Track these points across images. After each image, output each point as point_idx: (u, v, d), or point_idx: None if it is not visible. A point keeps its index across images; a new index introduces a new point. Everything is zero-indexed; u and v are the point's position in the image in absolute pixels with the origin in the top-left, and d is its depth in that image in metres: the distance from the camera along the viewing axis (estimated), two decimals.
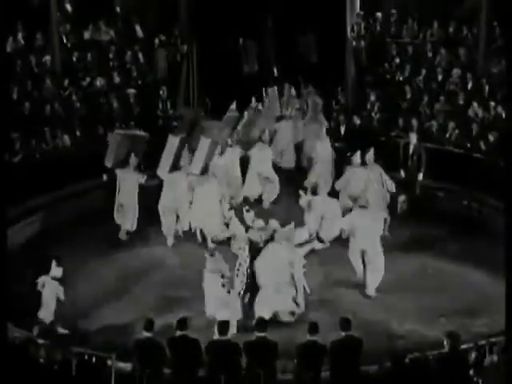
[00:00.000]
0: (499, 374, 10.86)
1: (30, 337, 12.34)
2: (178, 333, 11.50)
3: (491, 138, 19.54)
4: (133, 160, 18.58)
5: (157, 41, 24.16)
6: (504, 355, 10.93)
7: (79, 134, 20.90)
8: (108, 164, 18.94)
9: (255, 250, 14.81)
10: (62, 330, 14.04)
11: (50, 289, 14.19)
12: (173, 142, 18.83)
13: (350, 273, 16.27)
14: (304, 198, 17.48)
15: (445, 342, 10.94)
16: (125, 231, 18.63)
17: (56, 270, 14.34)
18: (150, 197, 18.78)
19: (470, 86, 21.59)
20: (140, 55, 23.69)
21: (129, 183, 18.57)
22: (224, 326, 11.47)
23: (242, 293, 14.92)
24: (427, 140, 20.34)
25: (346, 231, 16.36)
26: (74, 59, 22.90)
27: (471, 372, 11.03)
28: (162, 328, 12.90)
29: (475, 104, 20.63)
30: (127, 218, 18.59)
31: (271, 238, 14.84)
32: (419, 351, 11.85)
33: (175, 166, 18.57)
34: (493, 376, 11.02)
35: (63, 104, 21.29)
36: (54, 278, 14.28)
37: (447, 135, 20.46)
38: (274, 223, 15.16)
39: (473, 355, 11.40)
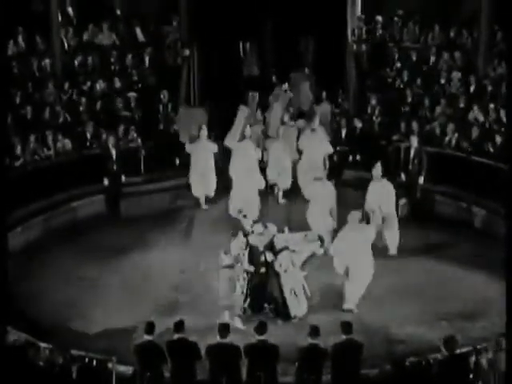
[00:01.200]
0: (499, 377, 10.86)
1: (30, 340, 12.31)
2: (176, 336, 11.51)
3: (492, 141, 19.52)
4: (204, 132, 20.16)
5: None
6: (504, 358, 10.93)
7: (80, 138, 20.85)
8: (184, 139, 21.12)
9: (255, 255, 14.87)
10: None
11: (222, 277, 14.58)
12: (242, 113, 21.34)
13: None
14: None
15: (442, 348, 10.96)
16: (205, 199, 20.41)
17: (226, 259, 14.69)
18: None
19: (470, 89, 21.58)
20: (145, 59, 23.73)
21: (203, 153, 20.19)
22: (224, 328, 11.46)
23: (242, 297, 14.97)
24: (428, 143, 20.32)
25: None
26: (76, 63, 22.92)
27: (471, 375, 11.01)
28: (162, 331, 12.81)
29: (476, 108, 20.60)
30: (208, 185, 20.35)
31: (270, 244, 14.91)
32: (419, 355, 11.86)
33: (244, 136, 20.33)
34: (493, 379, 11.02)
35: (64, 108, 21.28)
36: (226, 267, 14.61)
37: (447, 139, 20.44)
38: (272, 228, 15.23)
39: (473, 359, 11.38)
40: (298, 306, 14.84)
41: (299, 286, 14.94)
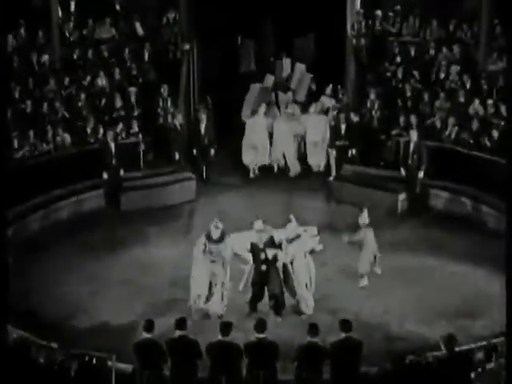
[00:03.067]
0: (500, 376, 10.86)
1: (30, 338, 12.31)
2: (178, 333, 11.50)
3: (492, 136, 19.49)
4: (263, 108, 22.45)
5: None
6: (505, 356, 10.92)
7: (79, 132, 20.81)
8: (245, 115, 23.37)
9: (255, 253, 14.84)
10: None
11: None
12: (254, 89, 23.62)
13: (350, 274, 16.32)
14: None
15: (441, 345, 10.96)
16: (257, 167, 22.45)
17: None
18: None
19: (470, 83, 21.54)
20: (144, 53, 23.68)
21: (261, 127, 22.29)
22: (226, 326, 11.46)
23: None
24: (427, 138, 20.30)
25: None
26: (75, 57, 22.90)
27: (472, 374, 11.00)
28: (162, 329, 12.79)
29: (476, 101, 20.56)
30: (261, 155, 22.33)
31: (271, 241, 14.85)
32: (419, 353, 11.86)
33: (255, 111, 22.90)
34: (493, 378, 11.01)
35: (64, 102, 21.25)
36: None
37: (447, 133, 20.42)
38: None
39: (473, 357, 11.37)
40: (307, 301, 14.84)
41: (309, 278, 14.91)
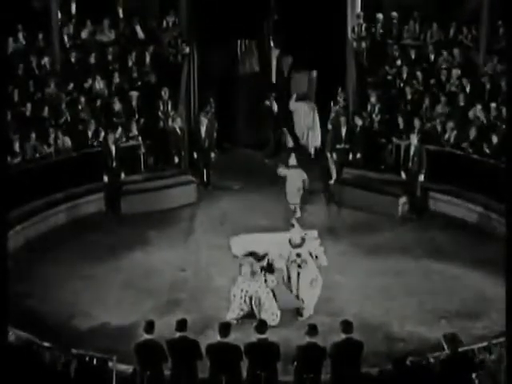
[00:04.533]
0: (500, 376, 10.85)
1: (31, 339, 12.30)
2: (178, 334, 11.49)
3: (493, 139, 19.48)
4: (311, 94, 24.50)
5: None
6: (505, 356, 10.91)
7: (80, 135, 20.81)
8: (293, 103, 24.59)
9: None
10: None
11: None
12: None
13: (351, 276, 16.31)
14: None
15: (444, 345, 10.95)
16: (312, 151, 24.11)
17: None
18: None
19: (470, 87, 21.56)
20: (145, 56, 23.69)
21: (307, 112, 24.09)
22: (226, 327, 11.44)
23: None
24: (428, 141, 20.30)
25: None
26: (75, 61, 22.90)
27: (473, 374, 10.98)
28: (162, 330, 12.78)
29: (479, 106, 20.54)
30: (314, 139, 23.94)
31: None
32: (420, 354, 11.85)
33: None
34: (493, 378, 11.00)
35: (65, 105, 21.25)
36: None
37: (447, 136, 20.42)
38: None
39: (473, 357, 11.36)
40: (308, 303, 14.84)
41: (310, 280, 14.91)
